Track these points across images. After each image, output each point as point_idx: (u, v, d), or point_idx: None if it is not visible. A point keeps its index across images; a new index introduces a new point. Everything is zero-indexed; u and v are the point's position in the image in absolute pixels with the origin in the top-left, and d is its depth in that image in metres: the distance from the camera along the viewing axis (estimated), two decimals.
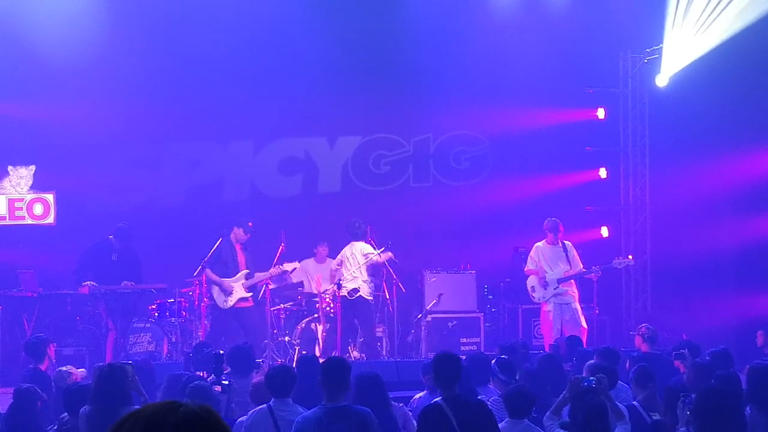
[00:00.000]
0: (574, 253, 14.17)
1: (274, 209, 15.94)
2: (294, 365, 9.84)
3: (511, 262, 15.75)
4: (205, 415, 2.63)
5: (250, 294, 13.53)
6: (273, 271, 13.50)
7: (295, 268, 13.88)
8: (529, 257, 14.30)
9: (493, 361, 9.17)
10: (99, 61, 14.76)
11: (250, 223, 13.67)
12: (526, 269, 14.32)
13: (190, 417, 2.61)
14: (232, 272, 13.48)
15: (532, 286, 14.20)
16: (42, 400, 8.28)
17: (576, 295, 14.11)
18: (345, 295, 13.49)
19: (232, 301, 13.37)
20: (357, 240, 13.81)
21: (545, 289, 14.05)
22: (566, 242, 14.23)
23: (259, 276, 13.53)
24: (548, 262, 14.08)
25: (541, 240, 14.21)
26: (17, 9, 14.41)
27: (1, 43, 14.51)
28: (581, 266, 14.12)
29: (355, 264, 13.62)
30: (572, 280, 14.09)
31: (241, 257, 13.60)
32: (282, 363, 10.77)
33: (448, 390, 7.11)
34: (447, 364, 7.23)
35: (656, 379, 8.69)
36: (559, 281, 14.00)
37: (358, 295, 13.51)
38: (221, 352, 9.11)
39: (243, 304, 13.48)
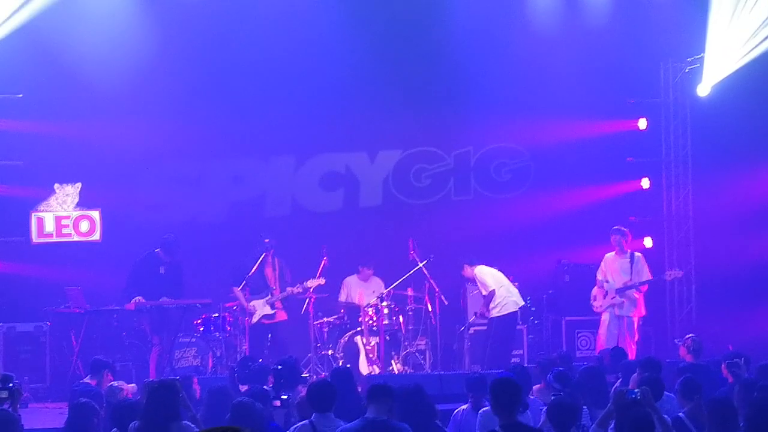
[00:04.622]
0: (641, 264, 14.26)
1: (316, 224, 16.00)
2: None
3: (553, 274, 15.72)
4: None
5: (274, 311, 13.86)
6: (294, 289, 13.77)
7: (319, 284, 13.99)
8: (599, 268, 14.44)
9: (549, 374, 9.19)
10: (141, 80, 14.90)
11: (266, 240, 13.94)
12: (597, 279, 14.56)
13: None
14: (261, 291, 13.91)
15: (594, 296, 14.47)
16: (99, 416, 8.41)
17: (633, 305, 14.12)
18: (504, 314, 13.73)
19: (256, 318, 13.81)
20: (474, 264, 13.95)
21: (604, 298, 14.21)
22: (636, 253, 14.33)
23: (282, 294, 13.83)
24: (612, 273, 14.22)
25: (611, 251, 14.35)
26: (61, 29, 14.59)
27: (45, 64, 14.69)
28: (648, 277, 14.19)
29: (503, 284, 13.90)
30: (637, 292, 14.12)
31: (268, 272, 13.84)
32: (322, 378, 10.84)
33: (508, 416, 7.03)
34: (506, 390, 7.13)
35: (702, 390, 8.64)
36: (618, 291, 14.05)
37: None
38: (279, 367, 9.20)
39: (269, 321, 13.90)
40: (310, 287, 13.85)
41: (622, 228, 14.39)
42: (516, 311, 13.85)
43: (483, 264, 14.00)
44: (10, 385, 6.81)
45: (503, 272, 14.56)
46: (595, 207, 15.94)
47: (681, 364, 10.83)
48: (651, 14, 16.00)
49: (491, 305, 13.72)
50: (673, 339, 14.68)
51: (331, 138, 16.37)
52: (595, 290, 14.47)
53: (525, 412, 8.27)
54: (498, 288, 13.71)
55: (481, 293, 13.88)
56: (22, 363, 13.57)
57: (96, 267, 14.51)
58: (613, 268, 14.28)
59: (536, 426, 8.10)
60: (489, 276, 13.77)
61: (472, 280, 14.03)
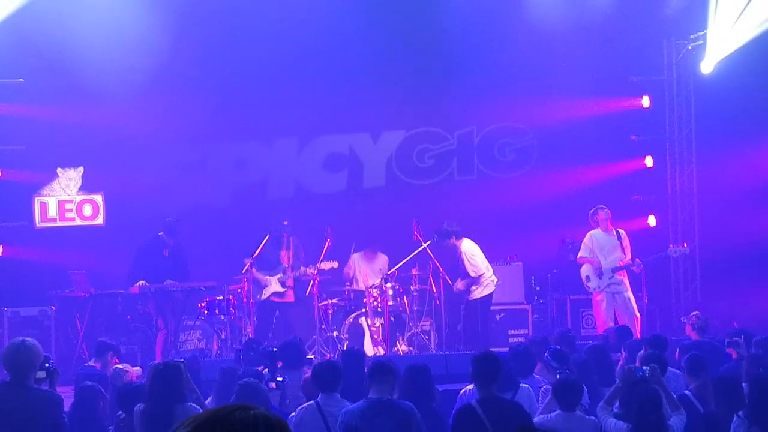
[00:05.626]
0: (626, 242, 14.08)
1: (320, 205, 15.99)
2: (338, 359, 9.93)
3: (558, 253, 15.68)
4: (275, 422, 2.65)
5: (285, 290, 13.86)
6: (308, 270, 13.72)
7: (332, 267, 13.97)
8: (582, 244, 14.14)
9: (546, 353, 9.17)
10: (143, 64, 14.86)
11: (285, 222, 13.99)
12: (579, 257, 14.18)
13: (259, 419, 2.63)
14: (272, 268, 13.89)
15: (587, 276, 14.05)
16: (104, 400, 8.42)
17: (628, 284, 14.03)
18: (486, 295, 13.59)
19: (266, 293, 13.81)
20: (461, 238, 13.75)
21: (600, 278, 13.94)
22: (620, 231, 14.14)
23: (295, 273, 13.85)
24: (603, 251, 13.99)
25: (594, 229, 14.15)
26: (61, 13, 14.55)
27: (47, 48, 14.66)
28: (629, 257, 14.03)
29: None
30: (625, 270, 14.01)
31: (283, 254, 13.87)
32: (328, 358, 10.86)
33: (485, 390, 7.12)
34: (485, 364, 7.24)
35: (708, 367, 8.63)
36: (614, 270, 13.90)
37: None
38: (275, 349, 9.23)
39: (279, 299, 13.90)
40: (325, 269, 13.86)
41: (598, 207, 14.23)
42: (494, 290, 13.76)
43: (466, 237, 13.83)
44: (47, 365, 6.84)
45: (505, 252, 14.57)
46: (599, 186, 15.91)
47: (686, 342, 10.82)
48: None
49: (474, 286, 13.62)
50: (679, 317, 14.66)
51: (333, 119, 16.33)
52: (587, 269, 14.02)
53: (517, 393, 8.19)
54: (485, 270, 13.65)
55: (468, 272, 13.72)
56: None
57: (100, 251, 14.53)
58: (603, 245, 14.03)
59: (539, 404, 8.11)
60: (480, 258, 13.63)
61: (457, 253, 13.84)
